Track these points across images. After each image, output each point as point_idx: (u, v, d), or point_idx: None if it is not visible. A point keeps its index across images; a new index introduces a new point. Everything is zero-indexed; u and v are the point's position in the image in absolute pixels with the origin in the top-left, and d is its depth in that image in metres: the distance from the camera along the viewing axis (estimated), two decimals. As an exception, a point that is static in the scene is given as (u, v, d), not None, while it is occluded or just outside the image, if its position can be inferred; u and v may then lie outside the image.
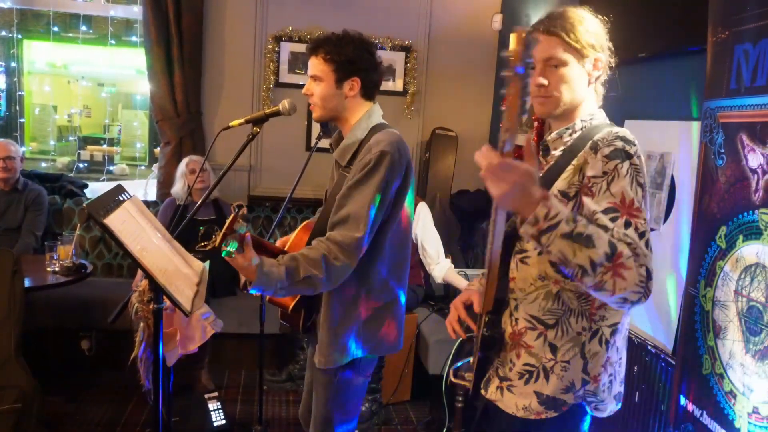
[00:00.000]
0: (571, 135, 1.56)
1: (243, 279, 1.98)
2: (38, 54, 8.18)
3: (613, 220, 1.37)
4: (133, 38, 4.92)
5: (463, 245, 4.70)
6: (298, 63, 4.64)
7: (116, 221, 1.66)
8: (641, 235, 1.36)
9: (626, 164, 1.42)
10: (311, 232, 2.13)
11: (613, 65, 1.60)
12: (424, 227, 3.43)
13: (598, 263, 1.28)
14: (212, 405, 3.30)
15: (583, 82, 1.54)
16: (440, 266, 3.41)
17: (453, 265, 3.50)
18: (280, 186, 4.70)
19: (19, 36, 5.18)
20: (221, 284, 3.98)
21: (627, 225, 1.37)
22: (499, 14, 4.79)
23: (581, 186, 1.47)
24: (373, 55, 2.08)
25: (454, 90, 4.89)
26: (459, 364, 1.75)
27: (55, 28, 4.93)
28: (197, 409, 3.28)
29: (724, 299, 1.86)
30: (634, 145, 1.47)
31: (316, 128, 4.68)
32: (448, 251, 3.99)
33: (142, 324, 2.14)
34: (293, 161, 4.64)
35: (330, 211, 2.05)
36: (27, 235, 3.93)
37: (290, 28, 4.60)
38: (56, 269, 3.34)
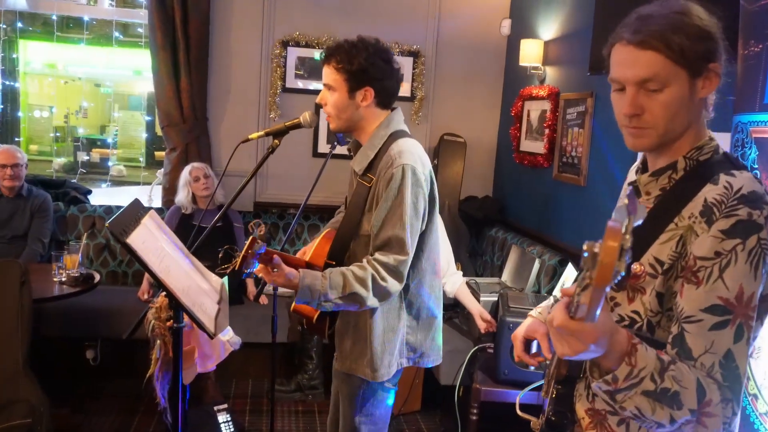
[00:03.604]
0: (671, 177, 1.21)
1: (252, 290, 1.96)
2: (35, 54, 8.11)
3: (720, 326, 1.08)
4: (133, 39, 4.87)
5: (471, 252, 4.66)
6: (305, 68, 4.59)
7: (137, 240, 1.61)
8: (748, 347, 1.09)
9: (751, 242, 1.07)
10: (332, 240, 2.10)
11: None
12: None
13: (679, 421, 1.06)
14: (222, 417, 3.26)
15: (691, 103, 1.16)
16: (452, 280, 3.36)
17: (465, 279, 3.46)
18: (286, 192, 4.65)
19: (18, 37, 5.12)
20: (228, 293, 3.92)
21: (738, 335, 1.08)
22: (508, 19, 4.74)
23: (682, 264, 1.14)
24: (388, 62, 2.02)
25: (462, 95, 4.85)
26: (523, 393, 1.62)
27: (54, 29, 4.87)
28: (207, 422, 3.23)
29: (757, 318, 1.82)
30: (765, 204, 1.09)
31: (323, 135, 4.63)
32: (457, 259, 3.95)
33: (158, 341, 2.10)
34: (300, 168, 4.60)
35: (351, 220, 2.05)
36: (34, 242, 3.87)
37: (297, 33, 4.55)
38: (63, 279, 3.28)
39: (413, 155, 1.96)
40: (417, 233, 1.99)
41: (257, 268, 1.85)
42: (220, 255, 1.85)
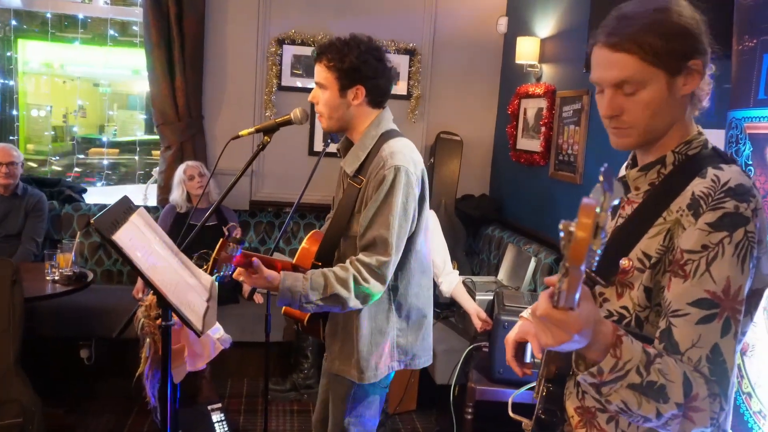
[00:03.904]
0: (659, 172, 1.20)
1: (247, 288, 1.97)
2: (33, 54, 8.09)
3: (707, 320, 1.07)
4: (130, 38, 4.85)
5: (468, 251, 4.64)
6: (301, 66, 4.57)
7: (124, 237, 1.59)
8: (736, 342, 1.08)
9: (738, 234, 1.06)
10: (320, 242, 2.08)
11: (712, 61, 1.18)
12: (432, 236, 3.35)
13: (666, 416, 1.05)
14: (216, 416, 3.24)
15: (673, 101, 1.15)
16: (449, 279, 3.34)
17: (461, 278, 3.43)
18: (282, 191, 4.63)
19: (14, 36, 5.10)
20: (224, 292, 3.91)
21: (726, 329, 1.06)
22: (505, 17, 4.73)
23: (670, 258, 1.13)
24: (380, 61, 2.00)
25: (459, 94, 4.83)
26: (516, 394, 1.60)
27: (51, 29, 4.86)
28: (201, 421, 3.21)
29: (751, 316, 1.80)
30: (753, 197, 1.08)
31: (319, 133, 4.62)
32: (454, 257, 3.93)
33: (148, 340, 2.08)
34: (296, 166, 4.58)
35: (341, 221, 2.03)
36: (27, 241, 3.86)
37: (293, 30, 4.54)
38: (56, 278, 3.26)
39: (405, 156, 1.94)
40: (405, 234, 1.96)
41: (235, 271, 1.83)
42: (193, 259, 1.84)
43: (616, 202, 0.82)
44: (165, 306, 1.69)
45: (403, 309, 2.06)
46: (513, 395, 1.89)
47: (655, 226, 1.16)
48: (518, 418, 1.50)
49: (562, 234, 0.84)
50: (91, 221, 1.48)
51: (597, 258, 0.83)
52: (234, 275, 1.90)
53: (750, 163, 1.83)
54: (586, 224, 0.80)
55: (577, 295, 0.89)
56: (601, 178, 0.82)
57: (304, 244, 2.16)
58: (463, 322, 3.65)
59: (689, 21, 1.13)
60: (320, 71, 1.98)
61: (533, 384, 1.56)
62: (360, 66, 1.94)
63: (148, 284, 1.58)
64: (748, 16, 1.88)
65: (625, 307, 1.19)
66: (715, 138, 2.28)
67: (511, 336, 1.47)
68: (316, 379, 3.85)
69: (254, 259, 1.84)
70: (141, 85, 4.51)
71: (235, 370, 4.05)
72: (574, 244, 0.81)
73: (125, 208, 1.75)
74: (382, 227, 1.90)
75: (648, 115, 1.15)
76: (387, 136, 2.01)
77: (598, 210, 0.80)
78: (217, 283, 1.98)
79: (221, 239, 1.75)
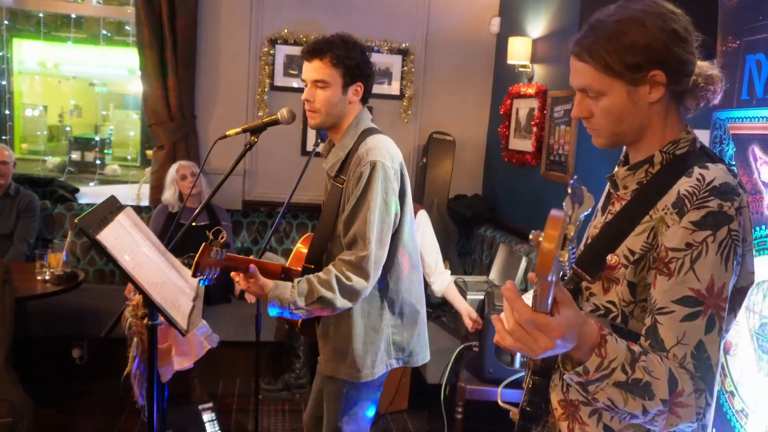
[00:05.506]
0: (647, 171, 1.22)
1: (238, 288, 2.00)
2: (28, 53, 8.09)
3: (691, 317, 1.08)
4: (125, 38, 4.86)
5: (460, 251, 4.65)
6: (293, 66, 4.58)
7: (109, 236, 1.60)
8: (720, 338, 1.09)
9: (722, 233, 1.08)
10: (310, 244, 2.10)
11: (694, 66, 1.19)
12: (423, 236, 3.37)
13: (652, 412, 1.06)
14: (207, 416, 3.24)
15: (638, 108, 1.17)
16: (441, 279, 3.35)
17: (453, 278, 3.44)
18: (275, 191, 4.64)
19: (8, 35, 5.10)
20: (216, 291, 3.91)
21: (710, 326, 1.08)
22: (497, 17, 4.74)
23: (654, 256, 1.15)
24: (369, 60, 2.06)
25: (451, 94, 4.84)
26: (504, 383, 1.61)
27: (48, 28, 4.86)
28: (192, 421, 3.21)
29: (734, 315, 1.82)
30: (737, 195, 1.10)
31: (311, 133, 4.62)
32: (446, 258, 3.94)
33: (135, 339, 2.09)
34: (288, 166, 4.59)
35: (327, 222, 2.06)
36: (19, 242, 3.85)
37: (286, 30, 4.54)
38: (47, 278, 3.26)
39: (381, 151, 1.96)
40: (389, 229, 1.97)
41: (216, 275, 1.84)
42: (181, 261, 1.86)
43: (586, 213, 0.83)
44: (150, 305, 1.70)
45: (395, 305, 2.07)
46: (502, 384, 1.90)
47: (642, 224, 1.18)
48: (507, 406, 1.52)
49: (532, 244, 0.86)
50: (75, 220, 1.49)
51: (569, 265, 0.85)
52: (231, 275, 1.92)
53: (733, 163, 1.84)
54: (552, 236, 0.82)
55: (549, 301, 0.92)
56: (569, 191, 0.84)
57: (298, 246, 2.18)
58: (455, 322, 3.65)
59: (654, 33, 1.13)
60: (322, 68, 1.97)
61: (519, 375, 1.57)
62: (362, 64, 2.00)
63: (133, 283, 1.59)
64: (731, 17, 1.89)
65: (611, 302, 1.21)
66: (699, 138, 2.29)
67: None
68: (307, 378, 3.86)
69: (252, 265, 1.86)
70: (137, 85, 4.51)
71: (227, 370, 4.05)
72: (540, 256, 0.83)
73: (112, 207, 1.76)
74: (361, 223, 1.92)
75: (611, 121, 1.19)
76: (366, 133, 2.03)
77: (565, 221, 0.82)
78: (203, 285, 1.98)
79: (203, 243, 1.76)
